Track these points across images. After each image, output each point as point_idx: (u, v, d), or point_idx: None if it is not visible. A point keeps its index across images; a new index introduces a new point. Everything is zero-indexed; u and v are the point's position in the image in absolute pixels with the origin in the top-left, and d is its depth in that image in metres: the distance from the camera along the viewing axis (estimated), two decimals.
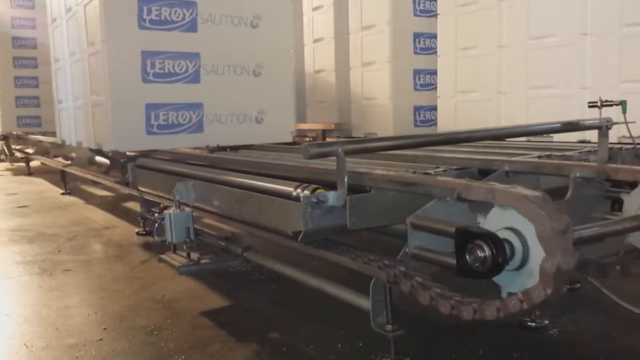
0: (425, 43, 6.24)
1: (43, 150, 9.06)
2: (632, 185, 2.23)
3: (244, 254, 3.11)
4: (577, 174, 2.31)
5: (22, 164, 10.61)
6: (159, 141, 4.36)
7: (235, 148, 4.58)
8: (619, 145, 3.35)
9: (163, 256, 3.31)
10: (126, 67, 4.25)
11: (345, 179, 2.21)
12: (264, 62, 4.79)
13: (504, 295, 1.74)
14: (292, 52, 5.05)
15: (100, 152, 5.24)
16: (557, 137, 4.23)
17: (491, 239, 1.66)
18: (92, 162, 6.80)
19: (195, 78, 4.47)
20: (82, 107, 4.99)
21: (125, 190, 5.44)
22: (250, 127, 4.76)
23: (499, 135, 3.50)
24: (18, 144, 10.65)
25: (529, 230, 1.65)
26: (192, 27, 4.43)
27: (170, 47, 4.36)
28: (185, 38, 4.42)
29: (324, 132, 7.01)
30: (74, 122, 5.41)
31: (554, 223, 1.59)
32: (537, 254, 1.63)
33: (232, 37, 4.63)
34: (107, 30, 4.21)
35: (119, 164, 4.65)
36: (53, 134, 9.43)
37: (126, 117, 4.28)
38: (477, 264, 1.68)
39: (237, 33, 4.65)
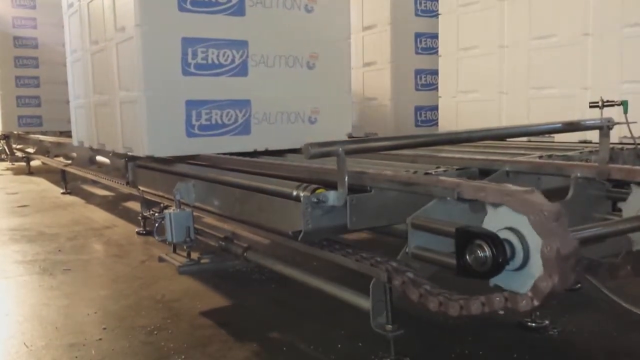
0: (427, 43, 6.23)
1: (44, 150, 9.07)
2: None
3: (244, 254, 3.10)
4: (578, 174, 2.31)
5: (23, 164, 10.63)
6: (201, 144, 3.71)
7: (282, 152, 3.98)
8: (620, 146, 3.35)
9: (163, 256, 3.31)
10: (164, 57, 3.58)
11: (346, 179, 2.20)
12: (319, 52, 4.12)
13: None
14: (349, 42, 4.41)
15: (113, 154, 4.56)
16: (558, 137, 4.23)
17: (491, 239, 1.65)
18: (92, 162, 6.82)
19: (242, 70, 3.81)
20: (107, 105, 4.28)
21: (125, 189, 5.44)
22: (302, 128, 4.09)
23: (500, 135, 3.49)
24: (19, 144, 10.66)
25: (525, 226, 1.65)
26: (239, 9, 3.78)
27: (214, 34, 3.69)
28: (232, 23, 3.75)
29: None
30: (94, 122, 4.65)
31: (545, 210, 1.59)
32: (537, 246, 1.63)
33: (284, 23, 3.98)
34: (143, 12, 3.53)
35: (120, 163, 4.64)
36: (54, 134, 9.48)
37: (163, 116, 3.61)
38: (477, 264, 1.67)
39: (290, 18, 3.99)
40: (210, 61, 3.69)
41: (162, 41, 3.57)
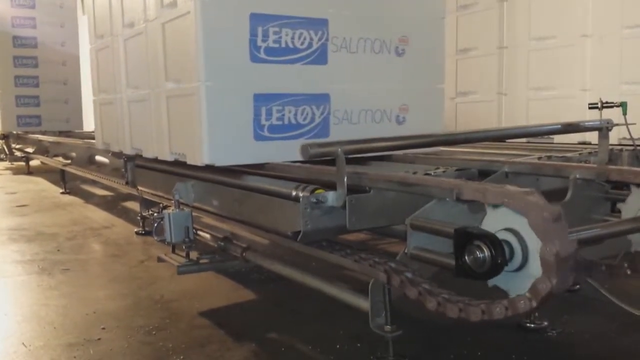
0: None
1: (43, 150, 9.07)
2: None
3: (243, 254, 3.10)
4: (577, 176, 2.31)
5: (22, 163, 10.62)
6: (271, 150, 2.96)
7: (366, 160, 3.19)
8: (619, 147, 3.35)
9: (162, 256, 3.31)
10: (229, 38, 2.83)
11: (345, 179, 2.20)
12: (410, 35, 3.34)
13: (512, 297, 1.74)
14: (443, 22, 3.60)
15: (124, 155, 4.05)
16: (558, 139, 4.23)
17: (490, 239, 1.66)
18: (91, 162, 6.82)
19: (321, 57, 3.07)
20: (146, 101, 3.48)
21: (124, 189, 5.44)
22: (388, 130, 3.30)
23: (499, 137, 3.49)
24: (18, 143, 10.66)
25: (524, 227, 1.66)
26: None
27: (288, 9, 2.95)
28: None
29: None
30: (128, 122, 3.84)
31: (545, 212, 1.60)
32: (536, 248, 1.63)
33: None
34: None
35: (119, 163, 4.63)
36: (53, 134, 9.48)
37: (227, 114, 2.86)
38: (476, 265, 1.67)
39: None
40: (284, 44, 2.96)
41: (227, 17, 2.83)
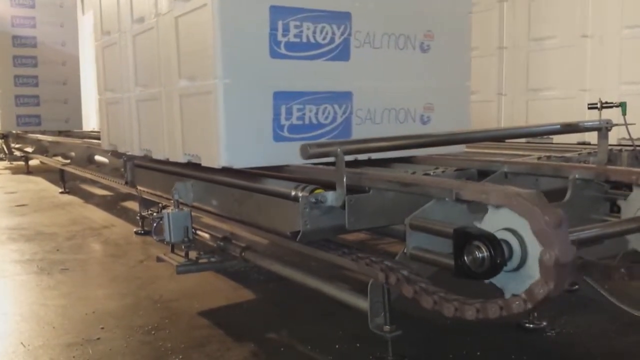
0: None
1: (42, 149, 9.07)
2: (631, 187, 2.23)
3: (242, 254, 3.10)
4: (577, 176, 2.31)
5: (22, 163, 10.62)
6: (290, 151, 2.70)
7: (388, 162, 3.09)
8: (618, 147, 3.35)
9: (161, 255, 3.30)
10: (247, 32, 2.67)
11: (344, 179, 2.20)
12: (435, 31, 3.20)
13: (507, 297, 1.74)
14: (470, 17, 3.43)
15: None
16: (557, 139, 4.23)
17: (489, 239, 1.66)
18: (91, 161, 6.82)
19: (343, 53, 2.91)
20: (157, 99, 3.33)
21: (124, 189, 5.44)
22: (413, 130, 3.16)
23: (498, 137, 3.50)
24: (17, 143, 10.67)
25: (525, 228, 1.65)
26: None
27: (310, 2, 2.80)
28: None
29: None
30: (137, 122, 3.68)
31: (547, 216, 1.60)
32: (535, 250, 1.63)
33: None
34: None
35: (118, 163, 4.63)
36: (53, 133, 9.48)
37: (246, 113, 2.70)
38: (475, 265, 1.67)
39: None
40: (305, 39, 2.80)
41: (245, 10, 2.68)
